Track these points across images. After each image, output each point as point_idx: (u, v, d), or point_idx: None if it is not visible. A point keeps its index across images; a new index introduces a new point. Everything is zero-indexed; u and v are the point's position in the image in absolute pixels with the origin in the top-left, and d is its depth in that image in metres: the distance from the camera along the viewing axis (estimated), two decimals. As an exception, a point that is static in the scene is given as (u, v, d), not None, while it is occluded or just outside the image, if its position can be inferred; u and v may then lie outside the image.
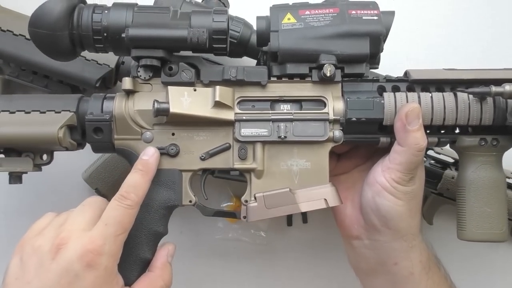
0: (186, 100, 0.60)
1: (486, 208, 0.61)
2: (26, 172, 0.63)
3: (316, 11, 0.62)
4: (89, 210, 0.57)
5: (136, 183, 0.58)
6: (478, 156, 0.61)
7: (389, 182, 0.60)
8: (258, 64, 0.72)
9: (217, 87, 0.61)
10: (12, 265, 0.55)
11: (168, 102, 0.60)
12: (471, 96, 0.60)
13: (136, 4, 0.63)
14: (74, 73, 0.74)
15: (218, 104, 0.60)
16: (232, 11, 0.74)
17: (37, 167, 0.63)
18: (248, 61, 0.73)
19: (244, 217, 0.62)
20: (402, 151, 0.59)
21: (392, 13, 0.64)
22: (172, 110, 0.59)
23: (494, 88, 0.57)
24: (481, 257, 0.78)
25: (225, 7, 0.74)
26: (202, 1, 0.73)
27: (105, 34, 0.61)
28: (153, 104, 0.60)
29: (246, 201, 0.62)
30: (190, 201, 0.63)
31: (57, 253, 0.52)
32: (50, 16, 0.60)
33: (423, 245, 0.63)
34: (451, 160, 0.77)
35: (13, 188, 0.67)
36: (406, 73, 0.64)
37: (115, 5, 0.62)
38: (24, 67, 0.77)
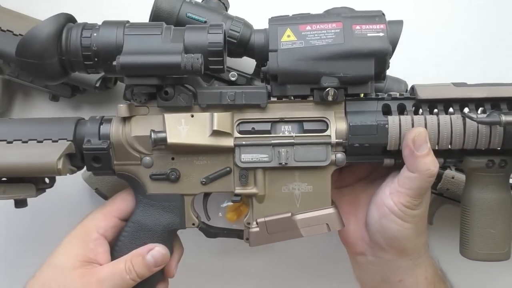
0: (183, 129, 0.59)
1: (490, 229, 0.60)
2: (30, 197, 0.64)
3: (318, 26, 0.58)
4: None
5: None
6: (484, 176, 0.60)
7: (397, 206, 0.58)
8: (257, 65, 0.70)
9: (215, 114, 0.59)
10: None
11: (165, 131, 0.58)
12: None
13: (127, 22, 0.59)
14: (74, 73, 0.73)
15: (216, 132, 0.59)
16: (232, 11, 0.71)
17: (41, 190, 0.64)
18: (248, 61, 0.71)
19: (247, 239, 0.63)
20: (413, 177, 0.57)
21: (400, 23, 0.60)
22: (169, 140, 0.58)
23: (504, 118, 0.54)
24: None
25: (225, 7, 0.70)
26: (202, 1, 0.69)
27: (96, 59, 0.58)
28: (150, 134, 0.58)
29: (249, 224, 0.62)
30: (193, 224, 0.63)
31: None
32: (37, 44, 0.57)
33: (428, 261, 0.63)
34: None
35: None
36: (412, 89, 0.60)
37: (104, 24, 0.58)
38: (24, 67, 0.75)
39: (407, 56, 0.66)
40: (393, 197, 0.59)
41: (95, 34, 0.58)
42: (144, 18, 0.67)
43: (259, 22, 0.68)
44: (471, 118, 0.56)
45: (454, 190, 0.72)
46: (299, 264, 0.85)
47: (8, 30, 0.73)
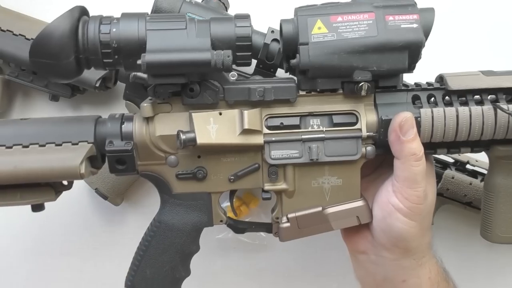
0: (212, 128, 0.56)
1: (514, 214, 0.62)
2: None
3: (350, 17, 0.55)
4: None
5: None
6: (510, 164, 0.61)
7: (402, 203, 0.57)
8: (258, 65, 0.69)
9: (245, 112, 0.56)
10: None
11: (193, 131, 0.56)
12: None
13: (146, 14, 0.55)
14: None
15: (246, 130, 0.57)
16: (232, 11, 0.70)
17: (59, 193, 0.61)
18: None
19: (276, 233, 0.62)
20: (401, 164, 0.56)
21: (431, 11, 0.58)
22: (199, 141, 0.55)
23: None
24: (481, 256, 0.79)
25: (225, 7, 0.67)
26: (202, 1, 0.67)
27: (116, 57, 0.54)
28: (178, 135, 0.56)
29: (277, 218, 0.61)
30: (221, 221, 0.62)
31: None
32: (53, 44, 0.53)
33: (432, 260, 0.62)
34: (451, 160, 0.76)
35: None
36: (442, 79, 0.60)
37: (124, 18, 0.54)
38: (24, 67, 0.75)
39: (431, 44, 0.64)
40: (397, 194, 0.58)
41: (114, 30, 0.54)
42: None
43: (259, 22, 0.67)
44: (504, 111, 0.56)
45: (454, 190, 0.74)
46: (299, 264, 0.85)
47: (8, 30, 0.73)
